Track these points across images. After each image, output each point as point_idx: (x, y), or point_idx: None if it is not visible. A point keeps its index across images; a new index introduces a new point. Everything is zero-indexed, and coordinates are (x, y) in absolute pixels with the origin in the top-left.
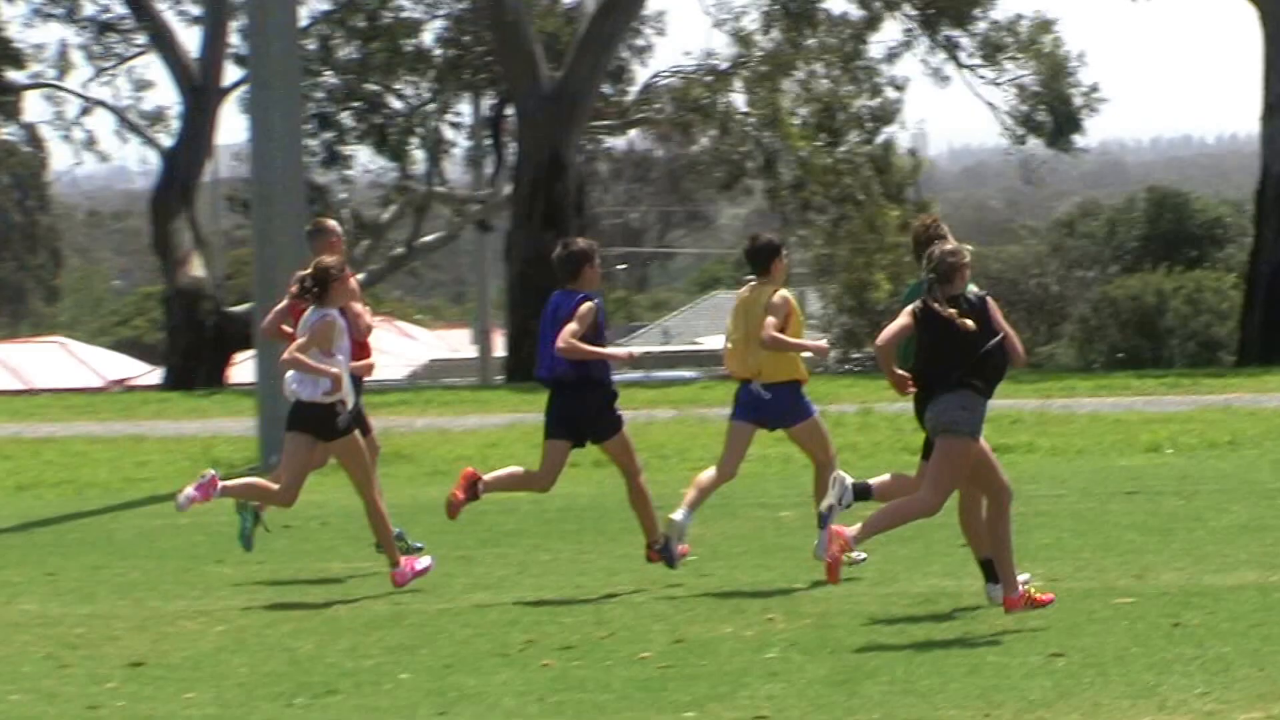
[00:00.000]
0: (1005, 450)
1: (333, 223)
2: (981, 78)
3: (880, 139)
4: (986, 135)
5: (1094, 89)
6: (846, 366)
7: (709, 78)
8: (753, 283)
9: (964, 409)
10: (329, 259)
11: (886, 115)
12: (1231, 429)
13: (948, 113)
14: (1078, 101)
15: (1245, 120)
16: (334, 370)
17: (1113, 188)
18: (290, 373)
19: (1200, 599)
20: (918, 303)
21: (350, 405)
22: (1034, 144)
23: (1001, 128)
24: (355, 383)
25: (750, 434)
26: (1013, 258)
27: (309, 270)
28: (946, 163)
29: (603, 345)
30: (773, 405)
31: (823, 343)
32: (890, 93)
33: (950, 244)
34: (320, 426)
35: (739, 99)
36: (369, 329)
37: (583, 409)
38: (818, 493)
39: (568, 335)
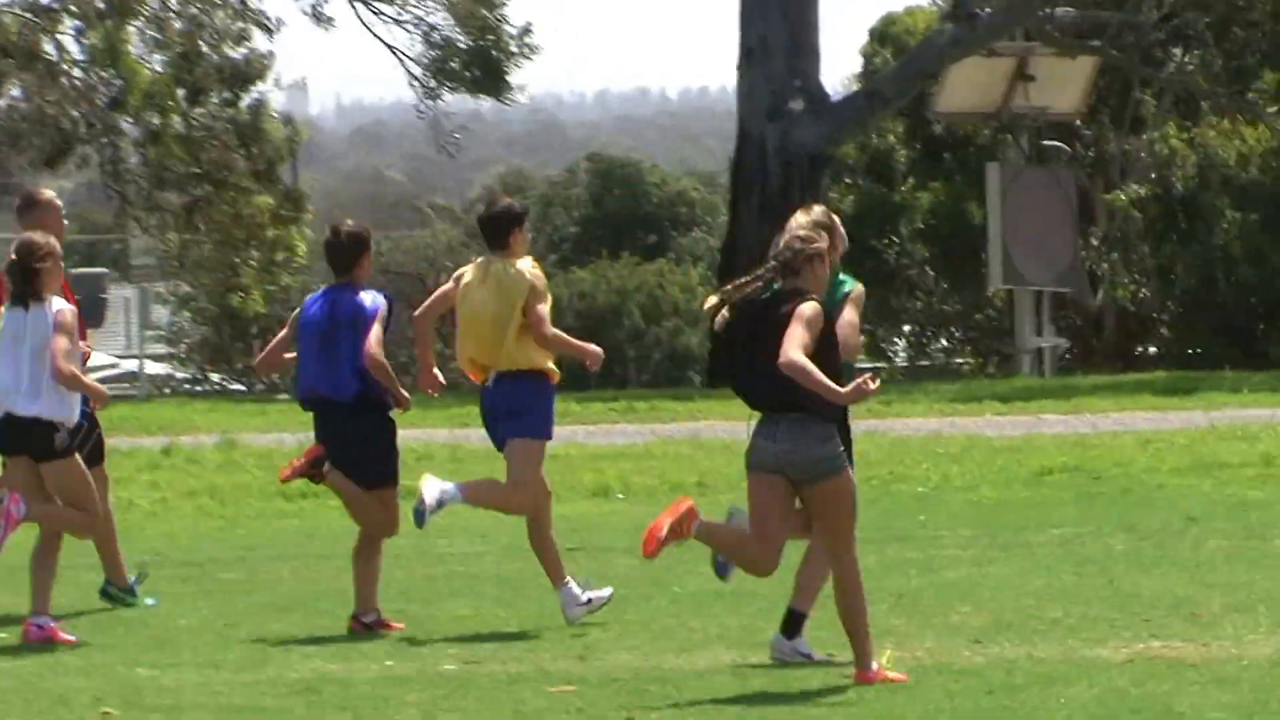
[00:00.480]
0: (408, 495)
1: (49, 193)
2: (379, 14)
3: (249, 99)
4: (385, 88)
5: (527, 30)
6: (201, 388)
7: (28, 14)
8: (486, 259)
9: (826, 441)
10: (39, 236)
11: (255, 68)
12: (700, 467)
13: (333, 59)
14: (505, 44)
15: (717, 71)
16: (106, 393)
17: (547, 155)
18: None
19: (660, 686)
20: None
21: (73, 422)
22: (449, 100)
23: (408, 78)
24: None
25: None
26: (419, 246)
27: (14, 254)
28: (333, 123)
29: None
30: (505, 400)
31: (594, 348)
32: (262, 40)
33: (805, 228)
34: (38, 444)
35: (70, 41)
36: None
37: (356, 436)
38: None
39: (373, 343)
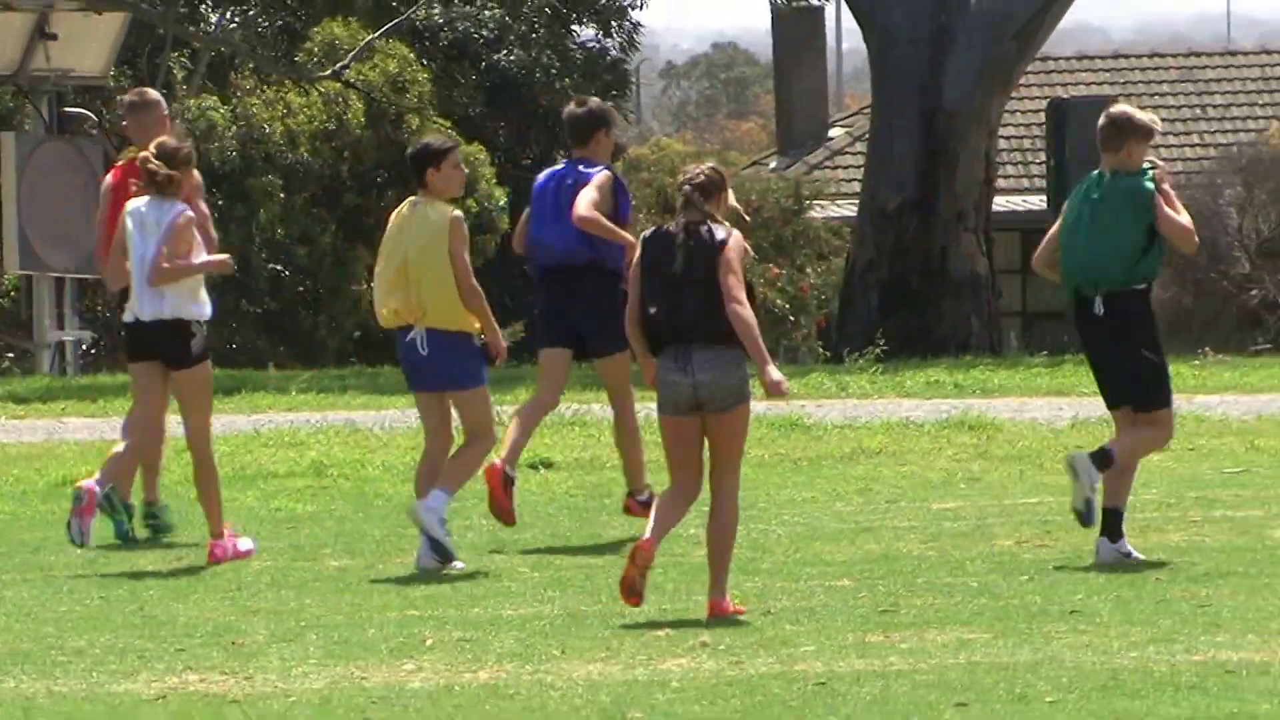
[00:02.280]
0: None
1: (155, 93)
2: None
3: None
4: None
5: None
6: None
7: None
8: (415, 199)
9: (740, 365)
10: (171, 138)
11: None
12: None
13: None
14: None
15: None
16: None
17: None
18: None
19: None
20: (677, 226)
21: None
22: None
23: None
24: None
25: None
26: None
27: (153, 152)
28: None
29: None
30: (439, 359)
31: None
32: None
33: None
34: (171, 350)
35: None
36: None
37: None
38: (442, 467)
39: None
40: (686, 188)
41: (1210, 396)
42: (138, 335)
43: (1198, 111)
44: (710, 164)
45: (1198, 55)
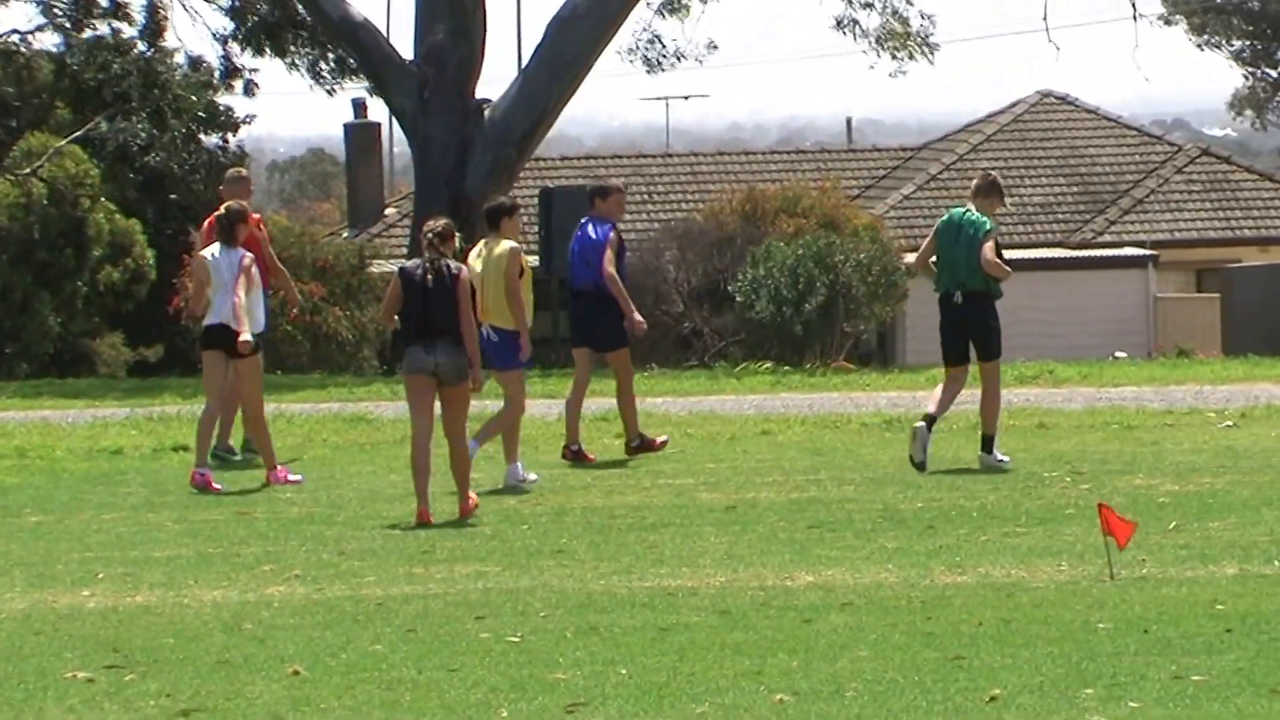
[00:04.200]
0: None
1: (245, 171)
2: None
3: None
4: None
5: None
6: None
7: None
8: (487, 239)
9: (463, 354)
10: (235, 202)
11: None
12: None
13: None
14: None
15: None
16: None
17: None
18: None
19: None
20: (425, 263)
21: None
22: None
23: None
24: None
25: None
26: None
27: (223, 212)
28: None
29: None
30: (495, 347)
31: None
32: None
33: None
34: (231, 345)
35: None
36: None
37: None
38: (503, 433)
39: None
40: (430, 235)
41: (656, 398)
42: (213, 333)
43: (645, 196)
44: (444, 220)
45: (646, 156)
